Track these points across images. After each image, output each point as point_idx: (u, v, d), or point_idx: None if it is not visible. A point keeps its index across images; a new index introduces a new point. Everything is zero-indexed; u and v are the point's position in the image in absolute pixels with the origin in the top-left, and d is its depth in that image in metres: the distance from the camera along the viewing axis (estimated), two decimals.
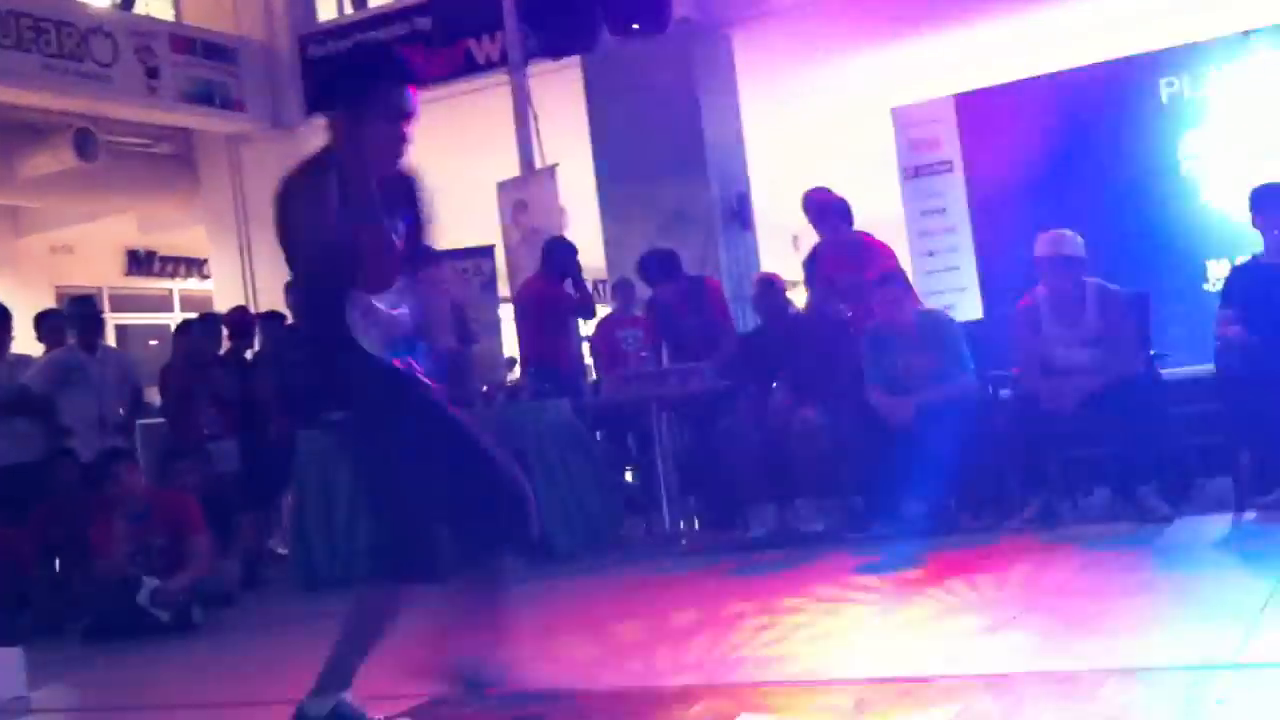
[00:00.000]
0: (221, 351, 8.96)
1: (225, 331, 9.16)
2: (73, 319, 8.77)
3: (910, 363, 6.41)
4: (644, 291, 8.36)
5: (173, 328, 10.27)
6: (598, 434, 7.88)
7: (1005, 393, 6.50)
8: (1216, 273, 7.50)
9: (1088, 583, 4.74)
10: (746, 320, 8.79)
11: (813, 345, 7.05)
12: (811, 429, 6.64)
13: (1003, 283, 7.84)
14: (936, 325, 6.60)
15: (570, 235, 8.92)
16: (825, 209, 7.44)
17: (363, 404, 3.41)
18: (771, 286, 7.42)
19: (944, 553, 5.66)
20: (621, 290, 8.98)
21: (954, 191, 8.49)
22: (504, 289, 9.86)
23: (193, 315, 10.20)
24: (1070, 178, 7.73)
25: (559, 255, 8.29)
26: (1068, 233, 6.11)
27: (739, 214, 10.09)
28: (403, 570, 3.48)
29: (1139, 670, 3.23)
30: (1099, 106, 7.99)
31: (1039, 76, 8.47)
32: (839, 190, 7.58)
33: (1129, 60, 8.22)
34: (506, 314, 9.83)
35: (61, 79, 10.20)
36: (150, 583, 6.40)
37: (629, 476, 8.45)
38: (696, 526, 7.56)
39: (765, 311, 7.41)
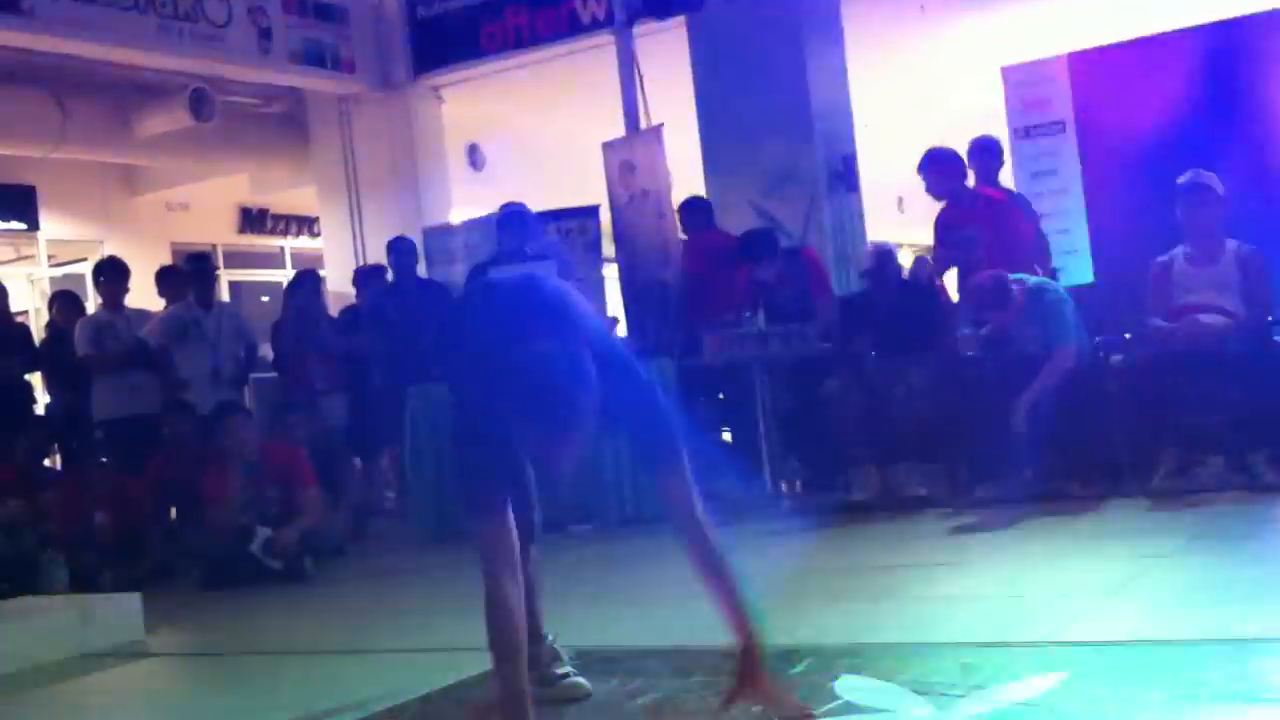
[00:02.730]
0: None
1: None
2: (189, 275, 8.99)
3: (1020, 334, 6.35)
4: None
5: (284, 284, 10.48)
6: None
7: (1116, 358, 6.39)
8: None
9: (1197, 551, 4.66)
10: (848, 282, 8.74)
11: (916, 310, 7.01)
12: (914, 393, 6.59)
13: (1115, 247, 7.69)
14: (1035, 301, 6.47)
15: (674, 196, 8.92)
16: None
17: None
18: (887, 257, 7.38)
19: (1049, 519, 5.60)
20: None
21: (1066, 153, 8.32)
22: (608, 249, 9.87)
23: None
24: (1188, 141, 7.52)
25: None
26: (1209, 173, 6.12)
27: (844, 176, 9.98)
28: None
29: (1251, 640, 3.18)
30: (1218, 67, 7.75)
31: (1156, 35, 8.25)
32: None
33: (1251, 18, 7.97)
34: (610, 274, 9.86)
35: (177, 40, 10.37)
36: (263, 533, 6.54)
37: (726, 437, 8.45)
38: (798, 488, 7.55)
39: (875, 280, 7.36)
